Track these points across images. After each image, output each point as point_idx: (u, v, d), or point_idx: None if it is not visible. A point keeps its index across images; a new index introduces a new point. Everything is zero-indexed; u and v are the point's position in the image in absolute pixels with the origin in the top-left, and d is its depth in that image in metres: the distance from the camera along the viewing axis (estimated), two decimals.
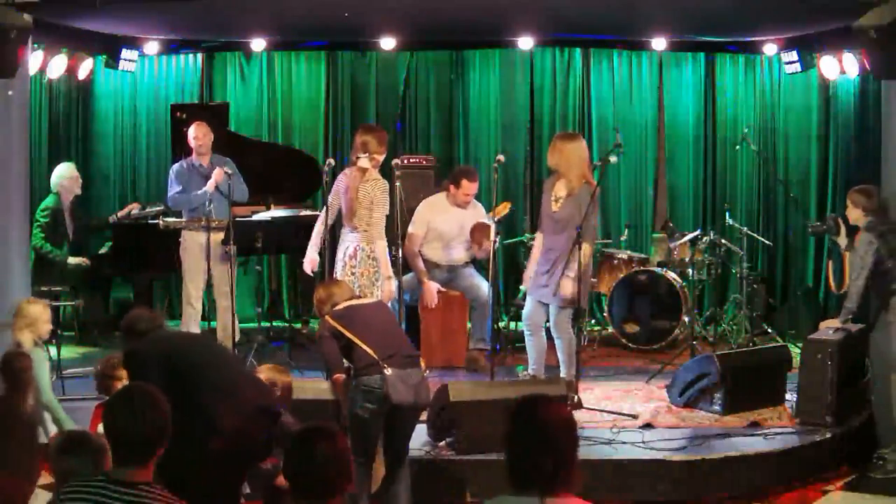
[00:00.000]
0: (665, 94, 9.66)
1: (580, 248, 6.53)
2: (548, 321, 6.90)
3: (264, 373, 5.35)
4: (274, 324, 8.92)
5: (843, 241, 6.76)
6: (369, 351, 5.10)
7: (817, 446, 6.24)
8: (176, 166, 7.83)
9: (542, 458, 2.85)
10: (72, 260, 8.11)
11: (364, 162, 6.78)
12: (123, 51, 8.88)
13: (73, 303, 8.16)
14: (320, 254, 7.07)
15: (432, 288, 7.78)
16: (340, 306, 5.37)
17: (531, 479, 2.85)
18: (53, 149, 9.20)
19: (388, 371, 5.04)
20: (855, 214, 6.50)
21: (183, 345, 4.71)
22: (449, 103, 9.77)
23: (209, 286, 7.70)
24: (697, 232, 8.54)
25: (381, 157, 6.90)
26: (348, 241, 6.86)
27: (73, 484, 3.16)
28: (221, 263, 7.61)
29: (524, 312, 7.07)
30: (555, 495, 2.84)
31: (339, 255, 6.89)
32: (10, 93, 6.61)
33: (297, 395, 5.65)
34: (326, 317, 5.34)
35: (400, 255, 6.96)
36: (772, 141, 9.50)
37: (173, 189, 7.70)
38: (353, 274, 6.77)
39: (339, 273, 6.82)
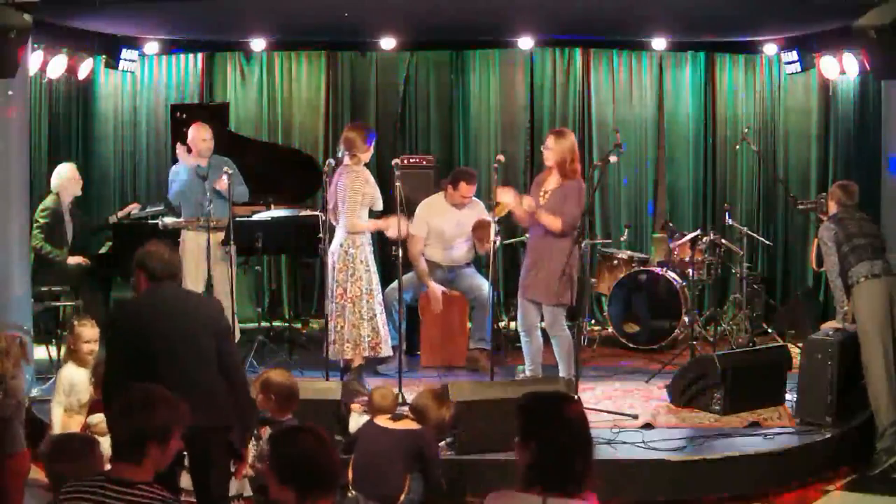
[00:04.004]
0: (665, 94, 9.66)
1: (580, 248, 6.53)
2: (542, 321, 6.90)
3: (265, 376, 5.33)
4: (274, 324, 8.91)
5: None
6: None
7: (817, 446, 6.25)
8: (175, 166, 7.85)
9: (554, 457, 2.84)
10: (71, 260, 8.10)
11: (346, 159, 6.93)
12: (123, 51, 8.88)
13: (73, 303, 8.15)
14: (318, 254, 7.15)
15: (437, 292, 7.78)
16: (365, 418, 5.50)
17: (540, 477, 2.83)
18: (53, 149, 9.19)
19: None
20: (830, 207, 6.60)
21: (157, 325, 4.48)
22: (449, 103, 9.77)
23: (209, 286, 7.69)
24: (697, 232, 8.54)
25: (365, 156, 7.01)
26: (335, 238, 6.99)
27: (73, 484, 3.17)
28: (221, 263, 7.61)
29: (518, 315, 7.05)
30: (578, 496, 2.83)
31: (329, 251, 6.99)
32: (10, 93, 6.61)
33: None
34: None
35: (400, 254, 6.97)
36: (772, 141, 9.51)
37: (173, 189, 7.72)
38: (333, 269, 6.90)
39: (328, 269, 6.96)
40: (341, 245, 6.95)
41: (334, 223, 7.05)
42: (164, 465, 3.26)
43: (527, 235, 8.40)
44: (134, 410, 3.18)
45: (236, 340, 7.67)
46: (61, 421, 5.73)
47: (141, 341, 4.42)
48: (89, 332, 5.82)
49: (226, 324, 4.67)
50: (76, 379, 5.79)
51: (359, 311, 6.92)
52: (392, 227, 6.95)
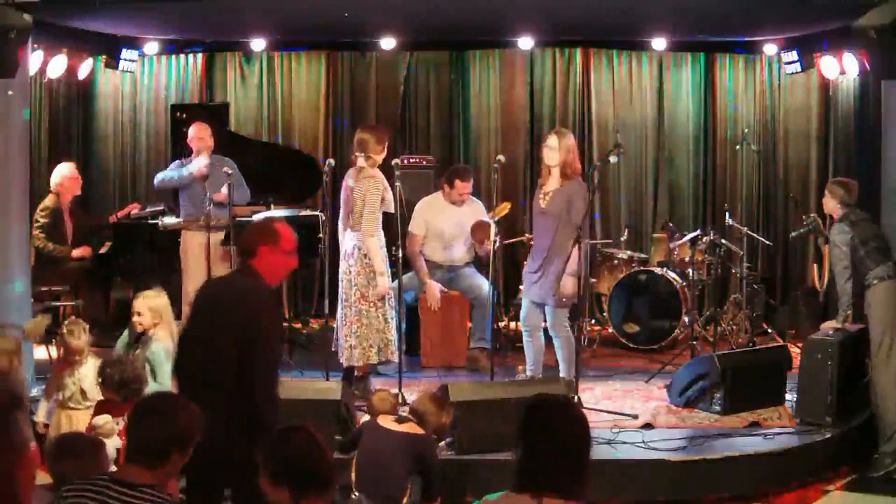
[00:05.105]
0: (665, 94, 9.66)
1: (580, 248, 6.53)
2: (545, 321, 6.90)
3: None
4: None
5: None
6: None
7: (817, 446, 6.25)
8: (176, 161, 7.89)
9: (555, 460, 2.83)
10: (76, 252, 8.15)
11: (360, 161, 6.80)
12: (123, 51, 8.88)
13: (73, 303, 8.15)
14: (319, 254, 7.10)
15: (435, 289, 7.77)
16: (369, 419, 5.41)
17: (540, 481, 2.83)
18: (53, 149, 9.20)
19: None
20: (831, 205, 6.58)
21: (193, 316, 4.39)
22: (449, 103, 9.76)
23: None
24: (697, 232, 8.54)
25: (380, 157, 6.88)
26: (347, 241, 6.89)
27: (75, 484, 3.17)
28: (221, 263, 7.61)
29: (521, 314, 7.06)
30: (573, 499, 2.82)
31: (341, 254, 6.93)
32: (10, 93, 6.61)
33: (298, 395, 5.65)
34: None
35: (400, 254, 6.96)
36: (772, 141, 9.51)
37: (166, 174, 7.79)
38: (349, 272, 6.80)
39: (340, 273, 6.87)
40: (359, 249, 6.81)
41: (346, 227, 6.95)
42: (174, 475, 3.27)
43: (527, 235, 8.43)
44: (152, 418, 3.17)
45: None
46: (54, 419, 5.72)
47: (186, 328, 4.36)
48: (76, 344, 5.75)
49: (254, 332, 4.09)
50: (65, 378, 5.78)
51: (381, 314, 6.85)
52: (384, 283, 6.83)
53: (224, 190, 7.49)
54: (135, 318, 5.82)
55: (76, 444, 3.97)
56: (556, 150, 6.70)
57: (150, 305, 5.81)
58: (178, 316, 8.05)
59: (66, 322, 5.78)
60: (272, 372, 4.21)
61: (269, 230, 4.37)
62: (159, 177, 7.94)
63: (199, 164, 7.62)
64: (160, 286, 6.18)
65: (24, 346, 5.63)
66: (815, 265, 6.75)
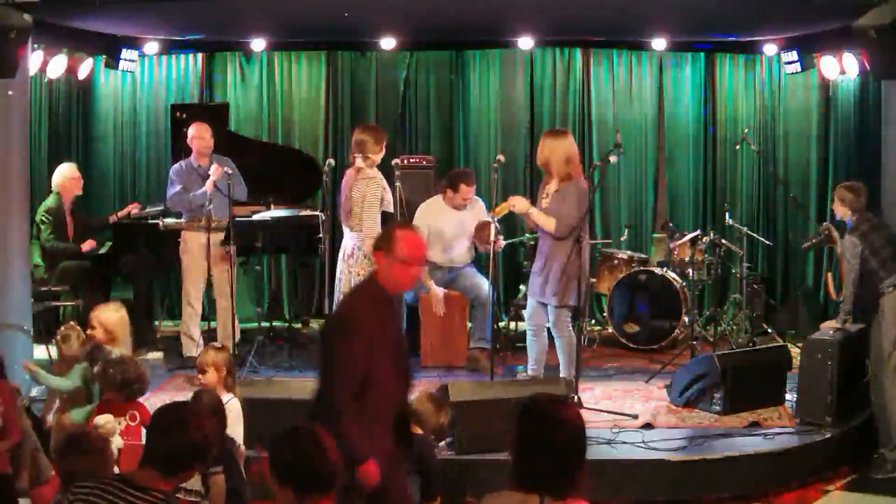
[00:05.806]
0: (665, 94, 9.65)
1: (581, 249, 6.53)
2: (549, 321, 6.91)
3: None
4: (274, 324, 8.91)
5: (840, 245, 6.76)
6: None
7: (817, 446, 6.25)
8: (175, 166, 7.85)
9: (552, 460, 2.83)
10: (84, 246, 8.18)
11: (359, 161, 6.81)
12: (123, 51, 8.88)
13: (73, 303, 8.15)
14: (318, 254, 7.10)
15: (439, 295, 7.76)
16: None
17: (538, 480, 2.84)
18: (53, 149, 9.19)
19: None
20: (841, 211, 6.55)
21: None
22: (449, 103, 9.76)
23: (209, 286, 7.70)
24: (697, 232, 8.54)
25: (378, 157, 6.91)
26: (347, 241, 6.90)
27: (85, 482, 3.16)
28: (221, 263, 7.61)
29: (526, 313, 7.08)
30: (561, 499, 2.83)
31: (340, 254, 6.93)
32: (10, 93, 6.61)
33: (297, 395, 5.65)
34: None
35: None
36: (772, 141, 9.50)
37: (173, 188, 7.71)
38: (350, 273, 6.81)
39: (339, 272, 6.87)
40: (359, 248, 6.82)
41: (346, 227, 6.95)
42: (186, 480, 3.29)
43: (527, 235, 8.44)
44: (167, 430, 3.17)
45: (236, 340, 7.67)
46: (55, 420, 5.71)
47: None
48: (69, 352, 5.70)
49: (327, 341, 4.02)
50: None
51: None
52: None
53: (216, 165, 7.50)
54: (88, 331, 5.58)
55: (84, 441, 3.97)
56: (539, 150, 6.79)
57: (103, 321, 5.53)
58: (178, 315, 8.11)
59: (61, 328, 5.71)
60: (335, 378, 3.95)
61: (386, 236, 4.13)
62: (173, 200, 7.75)
63: (213, 174, 7.54)
64: (118, 302, 6.04)
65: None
66: (829, 274, 6.69)
